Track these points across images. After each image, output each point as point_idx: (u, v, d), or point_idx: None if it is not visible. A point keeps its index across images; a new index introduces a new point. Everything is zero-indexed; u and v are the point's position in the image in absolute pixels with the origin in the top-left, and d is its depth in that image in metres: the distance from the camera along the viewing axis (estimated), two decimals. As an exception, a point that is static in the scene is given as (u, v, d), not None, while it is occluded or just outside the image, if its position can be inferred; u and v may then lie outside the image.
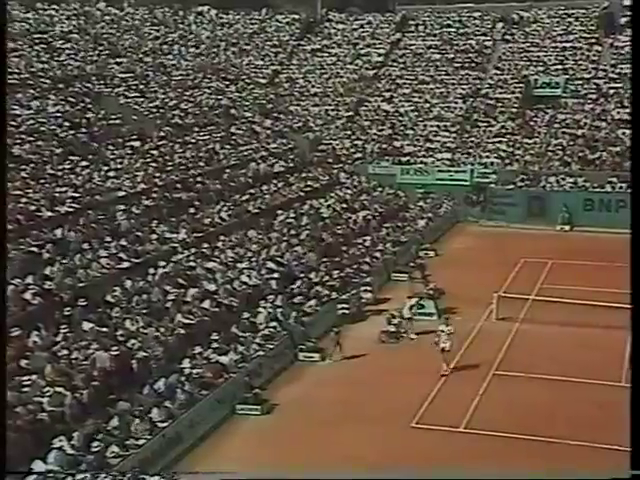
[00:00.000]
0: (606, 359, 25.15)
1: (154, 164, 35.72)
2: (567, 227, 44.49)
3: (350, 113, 55.35)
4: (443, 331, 24.67)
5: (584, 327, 27.32)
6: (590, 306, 28.00)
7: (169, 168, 36.17)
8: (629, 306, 28.59)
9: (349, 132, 53.66)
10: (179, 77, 49.06)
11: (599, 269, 34.66)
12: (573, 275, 33.80)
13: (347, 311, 29.56)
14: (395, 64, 59.60)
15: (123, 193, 32.01)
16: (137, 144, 37.35)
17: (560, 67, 55.12)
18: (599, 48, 56.18)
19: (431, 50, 59.76)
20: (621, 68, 53.48)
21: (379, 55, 60.41)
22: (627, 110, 49.89)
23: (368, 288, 31.63)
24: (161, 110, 42.62)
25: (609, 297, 28.95)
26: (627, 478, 9.34)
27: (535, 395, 22.73)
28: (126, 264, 26.63)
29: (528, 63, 56.35)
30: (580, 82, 53.48)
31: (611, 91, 52.05)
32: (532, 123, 51.78)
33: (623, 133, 48.33)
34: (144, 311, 24.09)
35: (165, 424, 19.78)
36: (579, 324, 27.45)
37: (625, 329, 27.16)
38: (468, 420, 21.29)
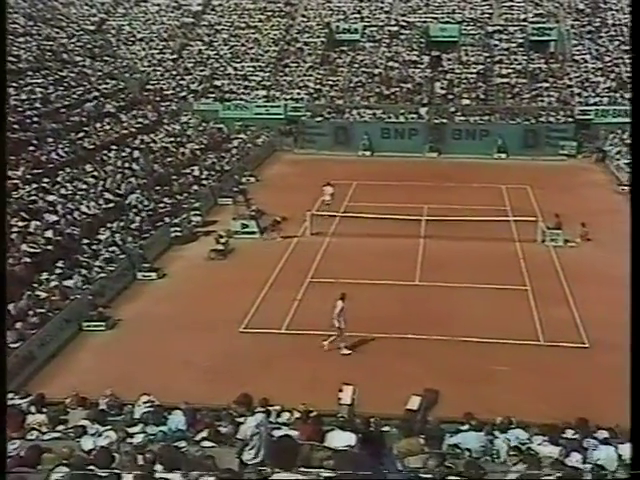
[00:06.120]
0: (404, 263, 26.19)
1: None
2: (368, 153, 45.45)
3: (175, 56, 54.01)
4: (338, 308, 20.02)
5: (385, 237, 28.15)
6: (389, 219, 28.93)
7: (6, 111, 33.97)
8: (424, 218, 29.97)
9: (174, 73, 52.36)
10: (11, 25, 45.80)
11: (396, 188, 35.80)
12: (374, 194, 34.71)
13: (179, 233, 29.39)
14: (213, 12, 58.55)
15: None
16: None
17: (358, 16, 55.91)
18: (391, 0, 57.14)
19: (245, 0, 59.04)
20: (409, 17, 54.89)
21: (198, 5, 59.14)
22: (415, 52, 51.42)
23: (197, 212, 31.37)
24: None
25: (405, 211, 30.08)
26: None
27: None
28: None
29: (330, 12, 56.75)
30: (375, 29, 54.43)
31: (402, 37, 53.31)
32: (336, 63, 52.28)
33: (413, 72, 49.75)
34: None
35: (17, 344, 19.03)
36: (381, 235, 28.26)
37: (417, 237, 28.53)
38: (288, 323, 21.68)
